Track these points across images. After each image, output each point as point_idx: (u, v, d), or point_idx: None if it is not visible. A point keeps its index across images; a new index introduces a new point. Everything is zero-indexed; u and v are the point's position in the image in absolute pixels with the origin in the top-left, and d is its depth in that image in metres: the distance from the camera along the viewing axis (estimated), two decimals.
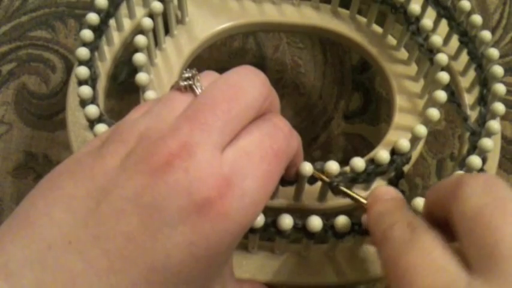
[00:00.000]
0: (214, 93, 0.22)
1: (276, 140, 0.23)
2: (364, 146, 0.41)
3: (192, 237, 0.19)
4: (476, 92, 0.34)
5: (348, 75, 0.43)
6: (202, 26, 0.37)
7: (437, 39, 0.33)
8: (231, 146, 0.21)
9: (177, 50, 0.36)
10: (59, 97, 0.42)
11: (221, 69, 0.39)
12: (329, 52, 0.44)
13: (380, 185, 0.27)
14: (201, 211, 0.19)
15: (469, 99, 0.35)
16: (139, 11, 0.36)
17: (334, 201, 0.30)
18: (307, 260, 0.29)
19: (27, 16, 0.44)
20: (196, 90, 0.22)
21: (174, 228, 0.19)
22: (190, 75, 0.23)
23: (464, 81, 0.35)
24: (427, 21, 0.34)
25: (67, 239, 0.19)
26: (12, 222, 0.20)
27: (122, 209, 0.19)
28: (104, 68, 0.34)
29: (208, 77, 0.23)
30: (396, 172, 0.30)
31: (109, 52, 0.34)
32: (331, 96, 0.43)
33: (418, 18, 0.34)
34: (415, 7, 0.34)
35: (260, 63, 0.43)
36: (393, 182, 0.31)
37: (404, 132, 0.33)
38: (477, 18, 0.34)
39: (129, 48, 0.35)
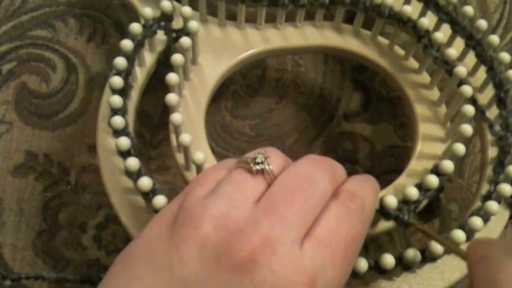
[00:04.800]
0: (289, 185, 0.22)
1: (353, 226, 0.23)
2: (365, 146, 0.41)
3: None
4: (487, 92, 0.35)
5: (348, 75, 0.43)
6: (211, 67, 0.36)
7: (452, 52, 0.34)
8: (309, 237, 0.21)
9: (195, 96, 0.35)
10: (60, 96, 0.42)
11: None
12: None
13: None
14: None
15: (481, 99, 0.35)
16: (148, 57, 0.35)
17: (383, 225, 0.30)
18: None
19: (28, 15, 0.44)
20: (268, 175, 0.23)
21: None
22: (263, 159, 0.23)
23: (474, 82, 0.36)
24: (439, 34, 0.34)
25: None
26: None
27: None
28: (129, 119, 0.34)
29: (276, 159, 0.24)
30: (438, 187, 0.31)
31: (131, 107, 0.34)
32: (331, 96, 0.43)
33: (428, 31, 0.35)
34: (424, 20, 0.34)
35: (260, 62, 0.43)
36: (434, 196, 0.31)
37: (433, 142, 0.34)
38: (482, 23, 0.34)
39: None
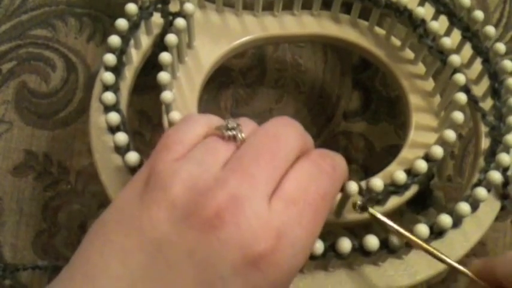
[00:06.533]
0: (256, 145, 0.23)
1: (322, 183, 0.23)
2: (365, 145, 0.41)
3: None
4: (483, 84, 0.35)
5: (348, 74, 0.43)
6: (207, 51, 0.36)
7: (447, 41, 0.33)
8: (277, 193, 0.22)
9: (189, 79, 0.35)
10: (59, 96, 0.42)
11: (220, 67, 0.38)
12: (329, 51, 0.44)
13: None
14: (253, 264, 0.20)
15: (477, 90, 0.35)
16: (144, 40, 0.35)
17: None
18: (359, 273, 0.30)
19: (28, 15, 0.44)
20: (239, 140, 0.23)
21: (227, 282, 0.20)
22: (235, 125, 0.23)
23: (470, 74, 0.36)
24: (434, 24, 0.34)
25: None
26: (71, 278, 0.21)
27: (177, 265, 0.20)
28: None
29: (247, 126, 0.24)
30: (427, 175, 0.31)
31: (124, 86, 0.34)
32: (331, 95, 0.43)
33: (423, 20, 0.35)
34: (420, 10, 0.34)
35: (260, 62, 0.43)
36: (424, 183, 0.31)
37: (426, 132, 0.34)
38: (479, 14, 0.34)
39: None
